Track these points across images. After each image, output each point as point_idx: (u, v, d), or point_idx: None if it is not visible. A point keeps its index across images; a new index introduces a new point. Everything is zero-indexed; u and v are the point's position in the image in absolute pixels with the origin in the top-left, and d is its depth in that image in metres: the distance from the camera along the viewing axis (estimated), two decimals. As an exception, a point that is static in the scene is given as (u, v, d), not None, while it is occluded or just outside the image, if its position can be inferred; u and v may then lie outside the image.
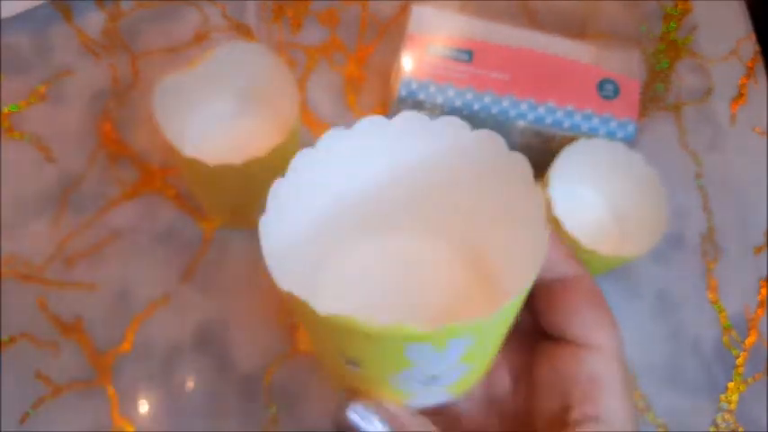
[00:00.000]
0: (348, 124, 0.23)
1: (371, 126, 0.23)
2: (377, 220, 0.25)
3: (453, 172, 0.24)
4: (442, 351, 0.19)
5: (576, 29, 0.52)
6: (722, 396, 0.43)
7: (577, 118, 0.43)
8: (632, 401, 0.22)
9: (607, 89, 0.44)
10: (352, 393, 0.21)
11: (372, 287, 0.24)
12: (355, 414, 0.21)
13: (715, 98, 0.52)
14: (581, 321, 0.22)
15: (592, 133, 0.43)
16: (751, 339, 0.45)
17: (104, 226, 0.43)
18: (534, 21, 0.53)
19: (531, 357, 0.24)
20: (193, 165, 0.34)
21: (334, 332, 0.19)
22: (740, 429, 0.42)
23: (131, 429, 0.39)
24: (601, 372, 0.22)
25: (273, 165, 0.36)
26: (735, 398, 0.43)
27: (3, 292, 0.41)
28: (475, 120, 0.43)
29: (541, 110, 0.43)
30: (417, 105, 0.43)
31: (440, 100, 0.42)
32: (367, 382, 0.21)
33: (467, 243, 0.25)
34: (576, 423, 0.21)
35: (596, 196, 0.44)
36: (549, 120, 0.43)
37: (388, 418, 0.21)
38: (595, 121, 0.43)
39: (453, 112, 0.43)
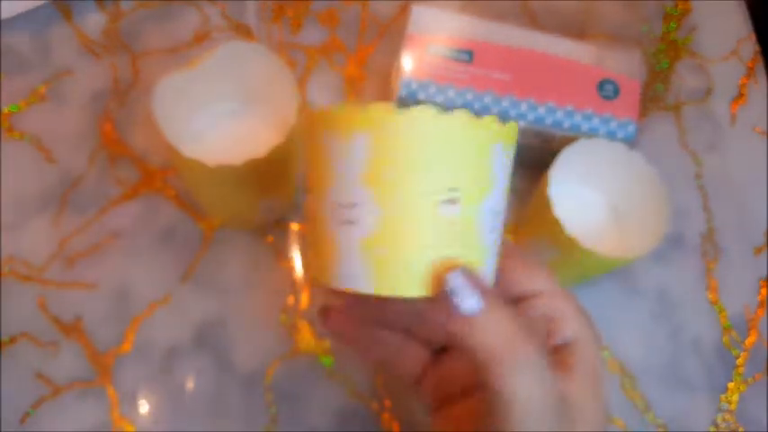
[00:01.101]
0: None
1: None
2: None
3: None
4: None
5: (576, 29, 0.52)
6: (722, 396, 0.43)
7: (577, 118, 0.43)
8: (592, 329, 0.27)
9: (607, 89, 0.44)
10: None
11: None
12: (455, 281, 0.23)
13: (715, 98, 0.52)
14: (522, 278, 0.27)
15: (592, 133, 0.43)
16: (751, 339, 0.45)
17: (104, 226, 0.43)
18: (535, 21, 0.53)
19: None
20: (193, 165, 0.34)
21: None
22: (740, 429, 0.43)
23: (131, 429, 0.39)
24: (552, 310, 0.27)
25: (273, 165, 0.36)
26: (735, 398, 0.43)
27: (3, 292, 0.41)
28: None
29: (542, 110, 0.43)
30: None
31: (440, 100, 0.42)
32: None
33: None
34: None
35: (596, 196, 0.44)
36: (549, 120, 0.43)
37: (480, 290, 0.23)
38: (595, 121, 0.43)
39: (453, 112, 0.43)
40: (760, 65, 0.53)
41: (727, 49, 0.54)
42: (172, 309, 0.42)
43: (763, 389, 0.44)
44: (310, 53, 0.50)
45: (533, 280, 0.27)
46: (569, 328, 0.27)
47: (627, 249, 0.40)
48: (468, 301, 0.22)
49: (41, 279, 0.42)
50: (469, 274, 0.23)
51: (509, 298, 0.27)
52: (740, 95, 0.52)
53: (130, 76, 0.47)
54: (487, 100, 0.43)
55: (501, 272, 0.26)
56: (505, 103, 0.43)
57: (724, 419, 0.43)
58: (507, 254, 0.27)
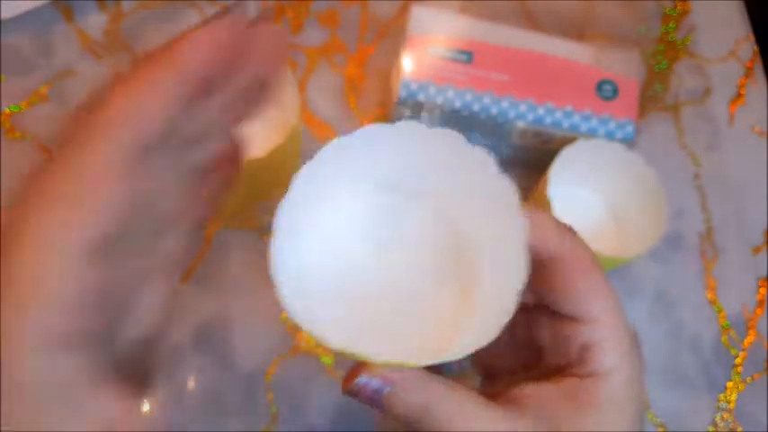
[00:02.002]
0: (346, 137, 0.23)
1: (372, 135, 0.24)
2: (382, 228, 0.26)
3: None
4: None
5: (575, 30, 0.53)
6: (721, 395, 0.43)
7: (576, 118, 0.43)
8: (635, 360, 0.24)
9: (606, 90, 0.44)
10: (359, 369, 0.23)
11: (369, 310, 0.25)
12: (363, 379, 0.22)
13: (714, 99, 0.52)
14: (575, 299, 0.24)
15: (591, 134, 0.43)
16: (750, 339, 0.45)
17: (105, 226, 0.43)
18: (534, 22, 0.53)
19: (534, 323, 0.26)
20: (194, 165, 0.34)
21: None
22: (739, 429, 0.43)
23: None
24: (594, 340, 0.24)
25: (273, 165, 0.36)
26: (734, 397, 0.43)
27: (4, 292, 0.41)
28: (474, 121, 0.43)
29: (541, 110, 0.43)
30: (417, 106, 0.43)
31: (440, 101, 0.43)
32: None
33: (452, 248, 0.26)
34: (571, 378, 0.24)
35: (596, 196, 0.45)
36: (548, 120, 0.43)
37: (392, 379, 0.23)
38: (594, 122, 0.43)
39: (453, 112, 0.43)
40: (759, 65, 0.53)
41: (726, 50, 0.54)
42: (173, 308, 0.42)
43: (761, 388, 0.44)
44: (311, 54, 0.50)
45: (589, 305, 0.24)
46: (605, 359, 0.24)
47: (626, 249, 0.40)
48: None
49: (43, 279, 0.42)
50: (371, 378, 0.23)
51: (552, 310, 0.25)
52: (739, 96, 0.52)
53: (131, 76, 0.47)
54: (487, 101, 0.43)
55: (556, 281, 0.24)
56: (504, 104, 0.43)
57: (723, 418, 0.43)
58: (573, 260, 0.24)
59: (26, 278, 0.16)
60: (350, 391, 0.23)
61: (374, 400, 0.23)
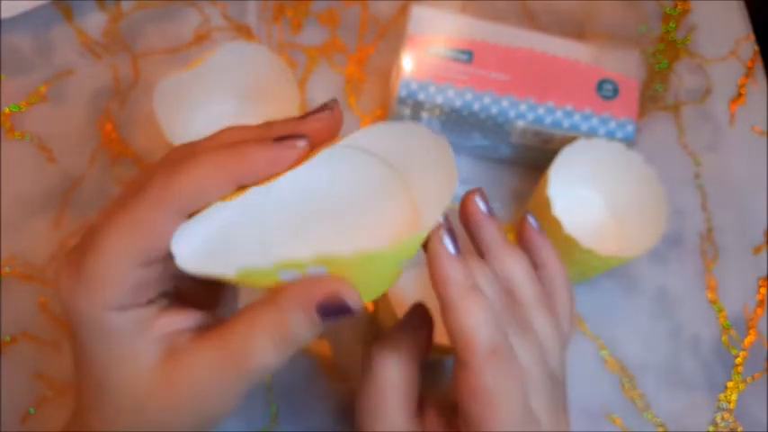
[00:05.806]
0: None
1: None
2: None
3: None
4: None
5: (575, 29, 0.53)
6: (721, 395, 0.43)
7: (577, 118, 0.43)
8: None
9: (606, 89, 0.44)
10: None
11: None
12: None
13: (714, 98, 0.52)
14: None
15: (591, 133, 0.43)
16: (750, 339, 0.45)
17: (105, 226, 0.43)
18: (534, 21, 0.53)
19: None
20: (194, 165, 0.34)
21: None
22: (739, 429, 0.43)
23: (132, 428, 0.39)
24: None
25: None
26: (734, 397, 0.43)
27: (3, 292, 0.41)
28: (474, 120, 0.43)
29: (541, 110, 0.43)
30: (417, 106, 0.43)
31: (440, 100, 0.43)
32: None
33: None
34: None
35: (596, 196, 0.44)
36: (548, 120, 0.43)
37: None
38: (594, 121, 0.43)
39: (453, 112, 0.43)
40: (759, 65, 0.53)
41: (727, 50, 0.54)
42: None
43: (762, 388, 0.44)
44: (311, 53, 0.50)
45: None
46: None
47: (626, 249, 0.40)
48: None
49: (42, 279, 0.42)
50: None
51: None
52: (739, 95, 0.52)
53: (131, 76, 0.47)
54: (487, 100, 0.43)
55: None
56: (505, 104, 0.43)
57: (723, 418, 0.43)
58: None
59: (101, 272, 0.24)
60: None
61: None
